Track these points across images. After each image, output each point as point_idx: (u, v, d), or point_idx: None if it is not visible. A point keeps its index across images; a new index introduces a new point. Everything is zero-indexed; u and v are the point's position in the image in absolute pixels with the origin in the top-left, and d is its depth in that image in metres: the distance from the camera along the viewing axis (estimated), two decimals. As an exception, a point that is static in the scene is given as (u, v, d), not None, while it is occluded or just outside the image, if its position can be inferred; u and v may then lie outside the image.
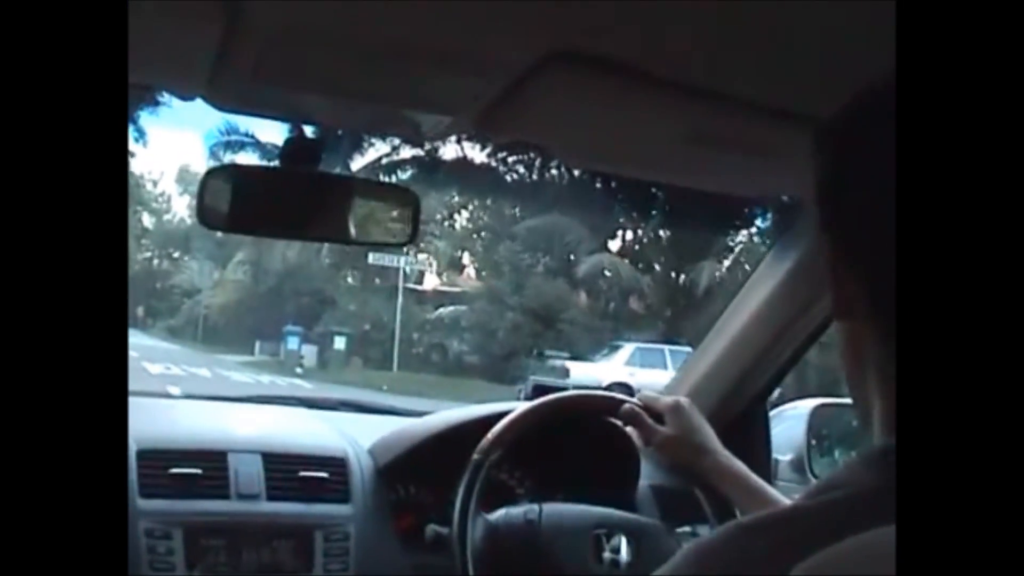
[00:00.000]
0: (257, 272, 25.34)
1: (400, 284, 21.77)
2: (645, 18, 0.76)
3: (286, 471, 1.47)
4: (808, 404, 2.03)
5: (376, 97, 0.95)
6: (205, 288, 28.68)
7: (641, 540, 1.39)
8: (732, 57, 0.83)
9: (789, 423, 2.02)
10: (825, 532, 0.58)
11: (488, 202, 22.37)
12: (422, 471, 1.57)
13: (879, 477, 0.59)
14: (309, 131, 1.20)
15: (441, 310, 22.20)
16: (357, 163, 17.31)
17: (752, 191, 1.12)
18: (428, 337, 22.40)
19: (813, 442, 1.92)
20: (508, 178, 19.29)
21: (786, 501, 1.31)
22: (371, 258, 19.64)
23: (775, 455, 1.87)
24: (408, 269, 22.06)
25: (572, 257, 19.49)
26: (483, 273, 22.87)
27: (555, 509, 1.38)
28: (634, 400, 1.42)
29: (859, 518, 0.58)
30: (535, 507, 1.36)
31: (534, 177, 18.75)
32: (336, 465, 1.52)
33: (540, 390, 1.79)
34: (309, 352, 21.24)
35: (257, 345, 24.26)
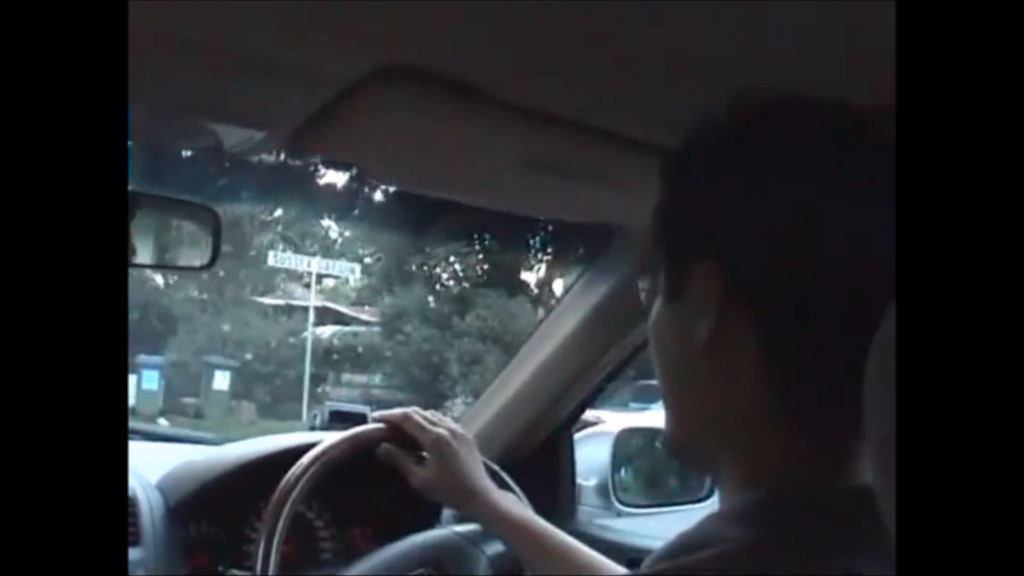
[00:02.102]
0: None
1: (312, 301, 15.09)
2: (483, 37, 0.72)
3: None
4: (612, 427, 2.03)
5: (178, 106, 0.86)
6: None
7: (456, 560, 1.33)
8: (569, 81, 0.80)
9: (593, 446, 2.02)
10: None
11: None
12: (216, 508, 1.46)
13: (757, 531, 0.56)
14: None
15: (358, 336, 15.77)
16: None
17: (582, 217, 1.10)
18: (338, 373, 15.60)
19: (617, 466, 1.91)
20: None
21: (572, 540, 1.16)
22: (272, 259, 14.95)
23: (578, 480, 1.86)
24: (323, 284, 15.64)
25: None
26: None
27: (362, 565, 1.29)
28: (388, 443, 1.27)
29: None
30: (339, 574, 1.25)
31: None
32: None
33: (338, 417, 1.70)
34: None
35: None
